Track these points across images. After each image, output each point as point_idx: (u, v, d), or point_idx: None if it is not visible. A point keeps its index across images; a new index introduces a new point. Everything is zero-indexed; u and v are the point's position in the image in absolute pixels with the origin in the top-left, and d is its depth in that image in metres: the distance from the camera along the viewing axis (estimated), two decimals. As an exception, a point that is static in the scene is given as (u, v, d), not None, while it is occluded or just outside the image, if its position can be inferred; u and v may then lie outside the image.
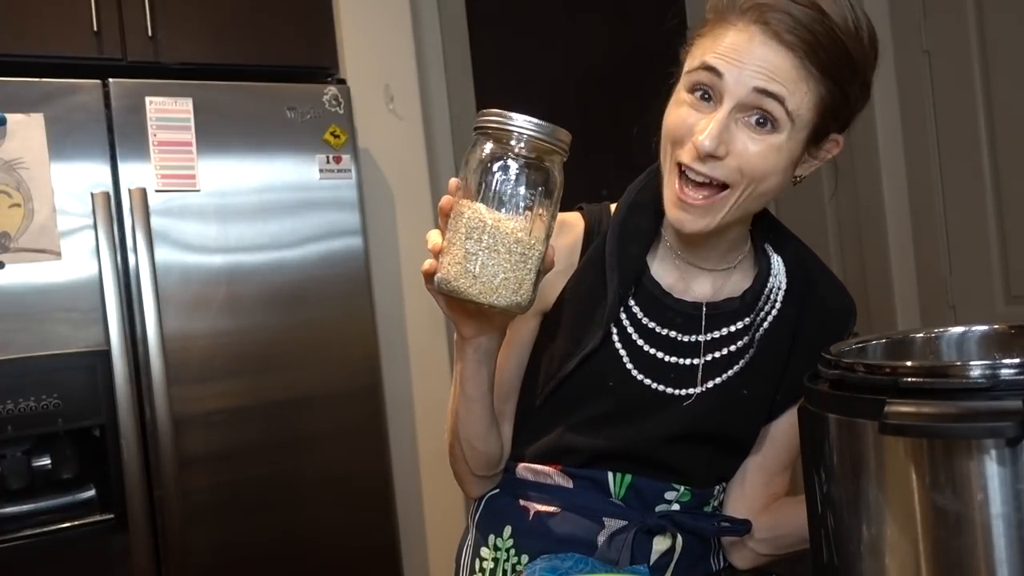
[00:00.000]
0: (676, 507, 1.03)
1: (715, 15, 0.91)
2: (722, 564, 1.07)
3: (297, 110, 2.17)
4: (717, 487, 1.06)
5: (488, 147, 0.83)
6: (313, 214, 2.19)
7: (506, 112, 0.81)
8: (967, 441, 0.65)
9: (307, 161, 2.18)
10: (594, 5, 3.46)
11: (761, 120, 0.88)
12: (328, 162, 2.20)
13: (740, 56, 0.87)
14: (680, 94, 0.93)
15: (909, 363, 0.71)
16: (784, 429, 1.06)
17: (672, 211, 0.94)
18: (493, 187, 0.82)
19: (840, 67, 0.88)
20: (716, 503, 1.07)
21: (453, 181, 0.84)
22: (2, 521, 1.82)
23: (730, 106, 0.87)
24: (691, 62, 0.92)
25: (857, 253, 2.83)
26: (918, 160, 2.67)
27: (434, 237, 0.84)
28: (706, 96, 0.90)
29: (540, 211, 0.84)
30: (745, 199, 0.92)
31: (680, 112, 0.91)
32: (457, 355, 0.98)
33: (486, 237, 0.81)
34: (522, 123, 0.81)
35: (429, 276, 0.84)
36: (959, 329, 0.91)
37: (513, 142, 0.82)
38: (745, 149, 0.88)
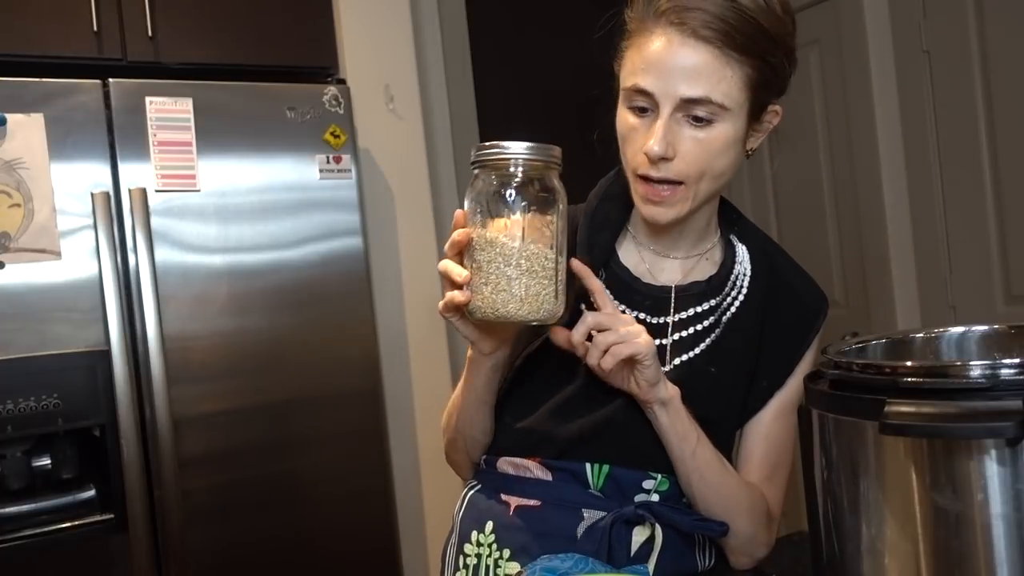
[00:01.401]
0: (655, 497, 1.04)
1: (636, 25, 0.98)
2: (709, 562, 1.07)
3: (297, 110, 2.17)
4: None
5: (493, 178, 0.89)
6: (313, 214, 2.19)
7: (500, 143, 0.87)
8: (967, 441, 0.65)
9: (307, 161, 2.18)
10: (594, 4, 3.46)
11: (698, 117, 0.94)
12: (328, 162, 2.20)
13: (662, 66, 0.93)
14: (622, 106, 1.00)
15: (909, 363, 0.71)
16: (765, 423, 1.08)
17: (644, 208, 1.00)
18: (508, 213, 0.88)
19: (758, 43, 0.94)
20: None
21: (459, 213, 0.90)
22: (2, 521, 1.82)
23: (668, 112, 0.94)
24: (624, 78, 0.98)
25: (857, 253, 2.83)
26: (918, 160, 2.67)
27: (457, 270, 0.89)
28: (644, 110, 0.96)
29: (552, 224, 0.90)
30: (704, 185, 0.98)
31: (628, 123, 0.98)
32: (471, 368, 1.04)
33: (523, 261, 0.87)
34: (518, 149, 0.87)
35: (456, 307, 0.90)
36: (959, 329, 0.92)
37: (513, 168, 0.87)
38: (691, 147, 0.95)
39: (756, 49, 0.94)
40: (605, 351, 0.93)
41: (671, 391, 0.98)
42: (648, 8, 0.95)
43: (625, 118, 0.98)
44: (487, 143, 0.88)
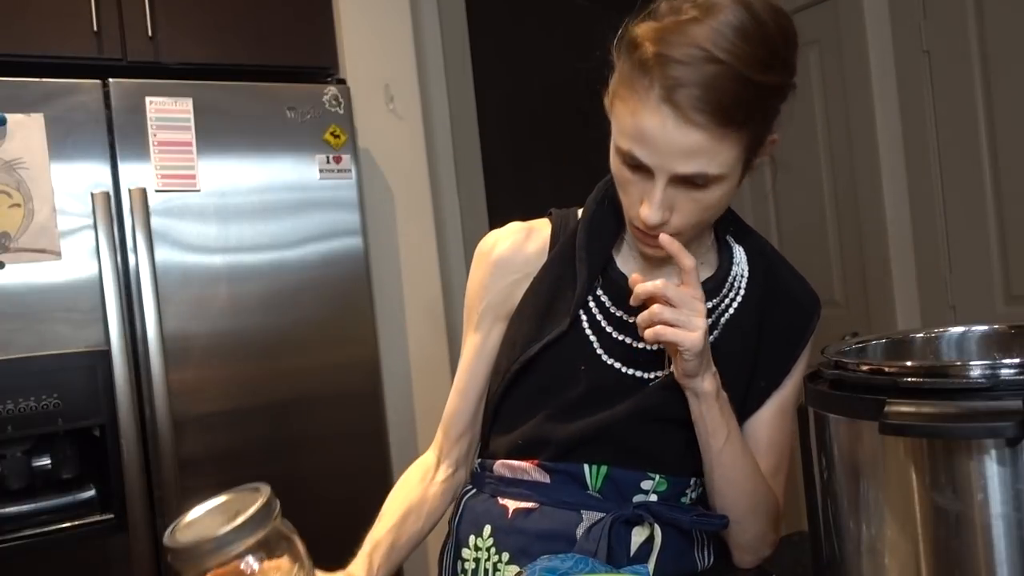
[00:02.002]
0: (653, 497, 1.04)
1: (625, 78, 0.91)
2: (708, 561, 1.07)
3: (297, 110, 2.17)
4: (693, 479, 1.07)
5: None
6: (313, 214, 2.19)
7: (198, 539, 0.74)
8: (967, 441, 0.65)
9: (307, 161, 2.18)
10: (594, 5, 3.46)
11: (695, 184, 0.91)
12: (328, 162, 2.20)
13: (656, 144, 0.88)
14: (616, 155, 0.95)
15: (909, 363, 0.71)
16: (764, 422, 1.09)
17: (641, 248, 1.01)
18: None
19: (754, 107, 0.88)
20: (694, 495, 1.08)
21: None
22: (2, 521, 1.82)
23: (663, 183, 0.91)
24: (617, 133, 0.94)
25: (857, 253, 2.83)
26: (918, 160, 2.67)
27: None
28: (638, 167, 0.92)
29: (296, 569, 0.80)
30: (701, 228, 1.00)
31: (624, 174, 0.95)
32: None
33: None
34: (220, 538, 0.73)
35: None
36: (959, 329, 0.92)
37: (226, 557, 0.74)
38: (688, 207, 0.93)
39: (752, 114, 0.88)
40: (654, 324, 0.91)
41: (708, 386, 0.96)
42: (638, 71, 0.89)
43: (620, 168, 0.95)
44: (182, 537, 0.74)
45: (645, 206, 0.92)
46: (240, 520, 0.74)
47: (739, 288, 1.06)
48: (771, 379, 1.08)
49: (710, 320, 1.04)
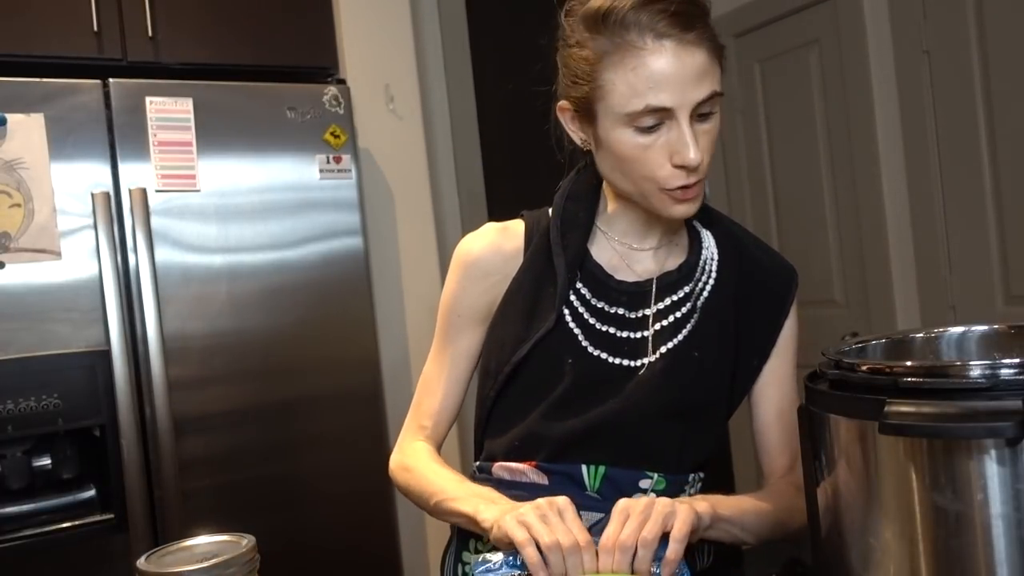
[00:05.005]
0: (652, 496, 1.03)
1: (604, 60, 0.94)
2: (707, 560, 1.08)
3: (297, 110, 2.17)
4: (692, 475, 1.08)
5: None
6: (313, 214, 2.19)
7: (164, 572, 0.72)
8: (967, 441, 0.65)
9: (307, 161, 2.18)
10: (594, 5, 3.45)
11: (704, 114, 0.95)
12: (328, 162, 2.20)
13: (675, 81, 0.92)
14: (624, 129, 0.95)
15: (909, 363, 0.71)
16: (772, 424, 1.11)
17: (674, 210, 0.99)
18: None
19: (706, 8, 0.96)
20: (694, 492, 1.09)
21: None
22: (2, 521, 1.82)
23: (686, 120, 0.93)
24: (623, 102, 0.94)
25: (857, 253, 2.83)
26: (918, 160, 2.67)
27: None
28: (653, 127, 0.94)
29: None
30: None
31: (639, 143, 0.95)
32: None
33: None
34: None
35: None
36: (959, 329, 0.92)
37: None
38: (706, 142, 0.96)
39: (709, 15, 0.96)
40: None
41: (703, 508, 0.92)
42: (619, 32, 0.92)
43: (632, 140, 0.95)
44: (151, 566, 0.72)
45: (686, 149, 0.93)
46: (209, 563, 0.72)
47: (711, 271, 1.09)
48: (761, 354, 1.10)
49: (689, 305, 1.06)
